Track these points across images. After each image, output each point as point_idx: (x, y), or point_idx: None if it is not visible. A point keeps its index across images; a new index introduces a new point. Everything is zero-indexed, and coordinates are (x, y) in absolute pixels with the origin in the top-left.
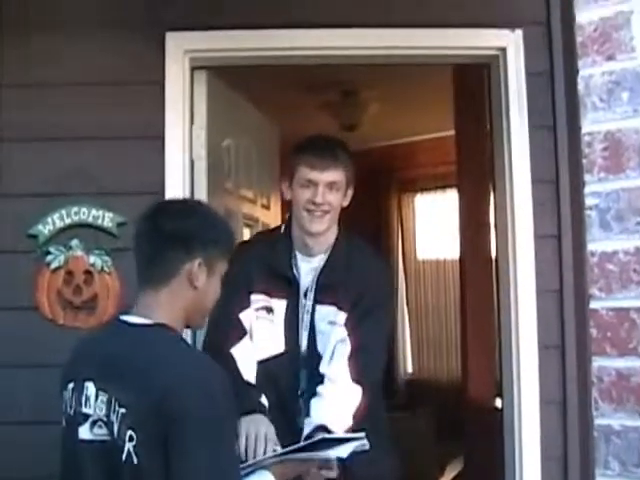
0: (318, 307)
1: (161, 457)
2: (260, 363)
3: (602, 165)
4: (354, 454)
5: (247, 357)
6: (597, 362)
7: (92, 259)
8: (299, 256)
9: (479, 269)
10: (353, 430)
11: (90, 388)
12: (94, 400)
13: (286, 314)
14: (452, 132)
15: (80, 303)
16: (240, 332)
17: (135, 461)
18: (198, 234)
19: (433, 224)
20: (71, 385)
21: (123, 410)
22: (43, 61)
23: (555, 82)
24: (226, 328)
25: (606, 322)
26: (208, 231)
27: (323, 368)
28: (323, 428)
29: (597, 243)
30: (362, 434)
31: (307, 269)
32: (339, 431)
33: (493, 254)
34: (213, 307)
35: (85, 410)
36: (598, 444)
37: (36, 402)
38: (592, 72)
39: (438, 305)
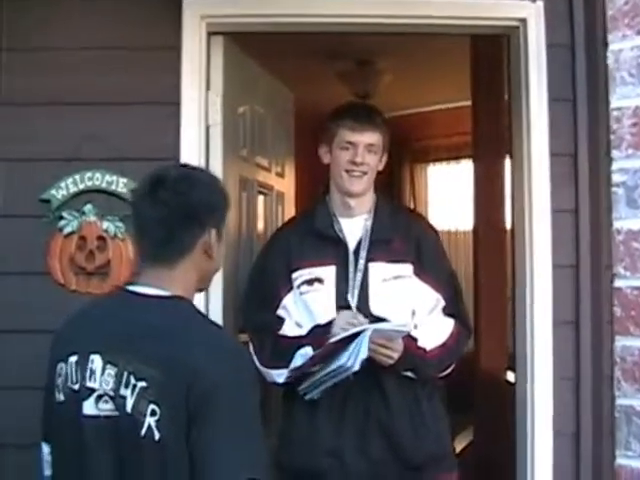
0: (371, 265)
1: (184, 434)
2: None
3: (630, 142)
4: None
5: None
6: (620, 342)
7: (105, 225)
8: (341, 219)
9: (493, 241)
10: (442, 357)
11: (96, 361)
12: (100, 374)
13: (337, 278)
14: (467, 103)
15: (93, 269)
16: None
17: (157, 437)
18: (209, 204)
19: (446, 195)
20: (74, 358)
21: (143, 384)
22: (60, 26)
23: (576, 55)
24: (272, 316)
25: (631, 301)
26: (214, 197)
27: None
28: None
29: (623, 221)
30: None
31: (351, 228)
32: (428, 346)
33: (507, 226)
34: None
35: (90, 384)
36: (619, 425)
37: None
38: (622, 46)
39: None
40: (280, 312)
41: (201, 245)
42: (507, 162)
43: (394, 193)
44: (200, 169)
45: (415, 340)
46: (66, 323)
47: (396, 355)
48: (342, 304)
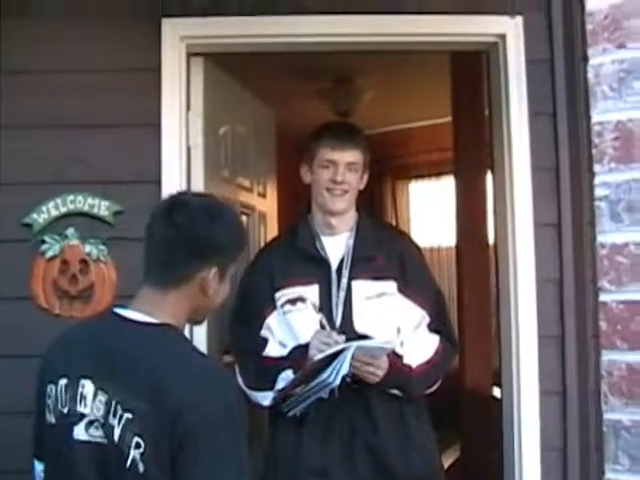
0: (354, 283)
1: (169, 467)
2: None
3: (613, 155)
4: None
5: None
6: (607, 356)
7: (88, 248)
8: (323, 237)
9: (476, 257)
10: (428, 373)
11: (87, 386)
12: (91, 399)
13: (320, 298)
14: (447, 119)
15: (76, 293)
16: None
17: (141, 469)
18: (218, 242)
19: (428, 211)
20: (64, 381)
21: (129, 415)
22: (40, 48)
23: (555, 69)
24: (256, 336)
25: (616, 315)
26: (228, 239)
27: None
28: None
29: (607, 235)
30: (389, 343)
31: (333, 247)
32: (413, 364)
33: (490, 241)
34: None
35: (80, 409)
36: (607, 439)
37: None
38: (602, 61)
39: None
40: (264, 332)
41: (199, 279)
42: (489, 177)
43: (376, 210)
44: (226, 205)
45: (400, 357)
46: (57, 344)
47: (381, 372)
48: (327, 324)
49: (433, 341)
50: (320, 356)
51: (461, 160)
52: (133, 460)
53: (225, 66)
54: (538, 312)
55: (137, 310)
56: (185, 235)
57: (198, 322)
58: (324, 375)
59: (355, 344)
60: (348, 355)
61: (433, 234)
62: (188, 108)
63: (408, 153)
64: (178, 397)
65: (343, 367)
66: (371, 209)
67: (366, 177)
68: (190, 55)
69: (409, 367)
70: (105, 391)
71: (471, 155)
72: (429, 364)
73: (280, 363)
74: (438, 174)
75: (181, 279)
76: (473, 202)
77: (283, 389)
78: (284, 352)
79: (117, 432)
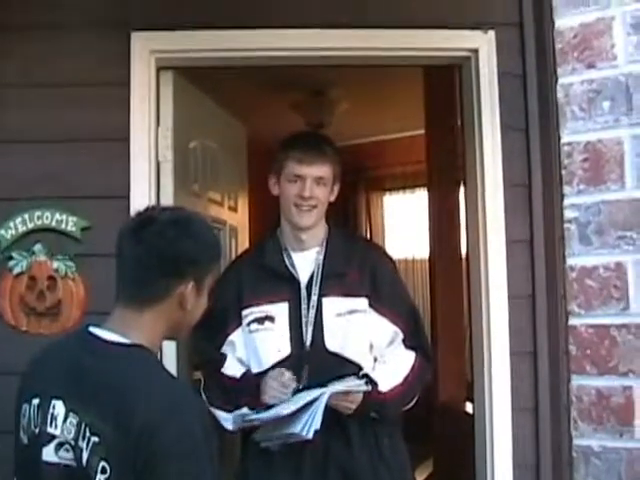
0: (325, 300)
1: None
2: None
3: (582, 177)
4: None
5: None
6: (576, 381)
7: (56, 264)
8: (292, 253)
9: (449, 269)
10: (404, 394)
11: (58, 407)
12: (62, 421)
13: (289, 316)
14: (421, 131)
15: (44, 309)
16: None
17: None
18: (191, 256)
19: (402, 224)
20: (36, 401)
21: (95, 439)
22: (5, 62)
23: (527, 84)
24: (217, 353)
25: (585, 339)
26: (202, 251)
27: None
28: (365, 376)
29: (577, 258)
30: (364, 385)
31: (303, 263)
32: (388, 386)
33: (463, 254)
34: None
35: (50, 430)
36: (577, 465)
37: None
38: (572, 80)
39: None
40: (225, 348)
41: (176, 295)
42: (462, 191)
43: (350, 221)
44: (197, 216)
45: (375, 384)
46: (34, 362)
47: (354, 405)
48: (297, 343)
49: (408, 359)
50: (294, 408)
51: (434, 173)
52: None
53: (195, 80)
54: (510, 328)
55: (111, 330)
56: (156, 252)
57: (180, 339)
58: (297, 428)
59: (328, 392)
60: (320, 407)
61: (407, 246)
62: (158, 122)
63: (383, 165)
64: (143, 422)
65: (315, 421)
66: (345, 220)
67: (337, 189)
68: (160, 69)
69: (383, 394)
70: (76, 412)
71: (444, 168)
72: (404, 385)
73: (237, 385)
74: (413, 186)
75: (157, 297)
76: (446, 215)
77: (248, 420)
78: (242, 370)
79: (85, 456)
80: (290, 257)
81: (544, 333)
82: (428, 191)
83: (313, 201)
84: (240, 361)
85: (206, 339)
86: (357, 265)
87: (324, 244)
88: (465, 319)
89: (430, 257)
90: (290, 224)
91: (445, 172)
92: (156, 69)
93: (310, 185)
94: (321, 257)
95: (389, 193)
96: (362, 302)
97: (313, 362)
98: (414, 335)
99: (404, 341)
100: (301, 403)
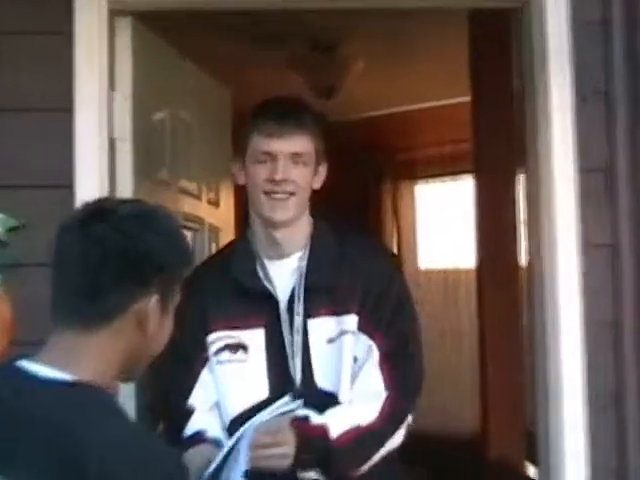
0: (310, 322)
1: None
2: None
3: None
4: None
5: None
6: None
7: None
8: (267, 261)
9: (502, 284)
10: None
11: None
12: None
13: (267, 345)
14: (466, 99)
15: None
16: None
17: None
18: (159, 258)
19: (439, 222)
20: None
21: None
22: None
23: (612, 36)
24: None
25: None
26: (172, 253)
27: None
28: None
29: None
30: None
31: (281, 274)
32: (337, 428)
33: (522, 263)
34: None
35: None
36: None
37: None
38: None
39: (446, 330)
40: (197, 392)
41: (134, 312)
42: (520, 178)
43: (370, 221)
44: (163, 211)
45: (306, 419)
46: None
47: (290, 449)
48: (279, 380)
49: (375, 394)
50: (210, 469)
51: (483, 155)
52: None
53: (163, 31)
54: (589, 364)
55: (48, 363)
56: (111, 250)
57: (131, 378)
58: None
59: (245, 430)
60: (242, 452)
61: (447, 252)
62: (112, 87)
63: (414, 144)
64: None
65: (239, 463)
66: (364, 219)
67: (323, 171)
68: (114, 14)
69: (322, 428)
70: (5, 476)
71: (496, 149)
72: (360, 429)
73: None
74: (454, 173)
75: (109, 313)
76: (499, 212)
77: None
78: (210, 423)
79: None
80: (264, 267)
81: (632, 371)
82: (475, 179)
83: (289, 186)
84: (213, 408)
85: (173, 381)
86: (348, 274)
87: (307, 247)
88: (524, 350)
89: (478, 266)
90: (261, 221)
91: (498, 154)
92: (109, 14)
93: (284, 164)
94: (304, 265)
95: (422, 182)
96: (351, 320)
97: (306, 404)
98: (396, 359)
99: (384, 362)
100: (220, 456)
